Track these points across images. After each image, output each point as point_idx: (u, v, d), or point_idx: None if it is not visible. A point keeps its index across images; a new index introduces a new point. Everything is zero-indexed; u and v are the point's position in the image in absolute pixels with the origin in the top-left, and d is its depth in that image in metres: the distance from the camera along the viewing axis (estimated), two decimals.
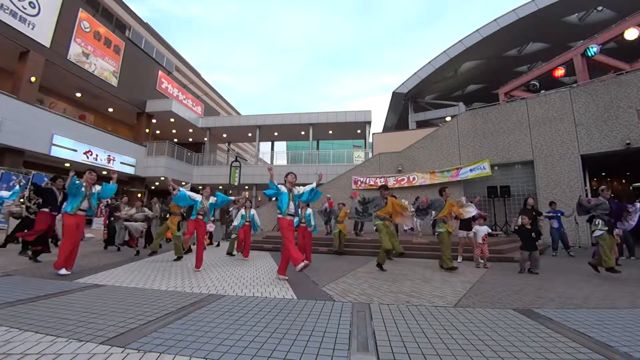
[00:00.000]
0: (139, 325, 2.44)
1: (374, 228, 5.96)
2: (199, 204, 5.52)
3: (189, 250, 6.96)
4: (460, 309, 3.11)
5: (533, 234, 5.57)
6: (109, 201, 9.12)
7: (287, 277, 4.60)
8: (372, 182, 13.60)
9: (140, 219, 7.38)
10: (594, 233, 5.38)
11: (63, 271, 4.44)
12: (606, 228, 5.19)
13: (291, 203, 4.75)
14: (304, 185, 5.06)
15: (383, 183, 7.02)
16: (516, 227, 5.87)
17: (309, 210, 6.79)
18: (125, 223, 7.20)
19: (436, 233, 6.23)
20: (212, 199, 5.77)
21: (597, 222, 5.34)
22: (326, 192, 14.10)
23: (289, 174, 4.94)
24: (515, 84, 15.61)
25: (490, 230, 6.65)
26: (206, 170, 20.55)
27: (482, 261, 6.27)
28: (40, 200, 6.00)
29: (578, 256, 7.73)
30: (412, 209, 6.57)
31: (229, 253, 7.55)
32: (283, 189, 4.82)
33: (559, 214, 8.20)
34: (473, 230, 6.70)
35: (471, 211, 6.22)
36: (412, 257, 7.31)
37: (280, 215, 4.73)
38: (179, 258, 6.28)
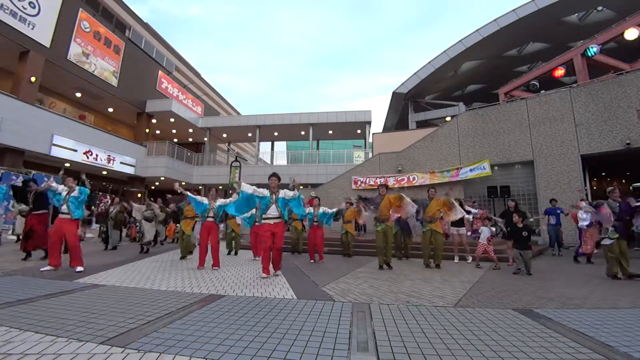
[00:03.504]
0: (139, 325, 2.44)
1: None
2: (207, 206, 5.65)
3: (190, 252, 6.97)
4: (460, 309, 3.11)
5: (524, 233, 5.55)
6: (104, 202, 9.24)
7: (268, 276, 4.62)
8: (372, 182, 13.60)
9: (149, 217, 7.40)
10: (602, 241, 5.10)
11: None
12: (616, 235, 4.86)
13: (273, 206, 4.73)
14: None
15: (383, 182, 7.01)
16: (507, 227, 5.90)
17: (322, 209, 6.82)
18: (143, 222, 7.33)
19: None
20: (221, 200, 5.80)
21: (607, 229, 4.98)
22: (327, 192, 14.12)
23: (272, 177, 4.84)
24: (515, 84, 15.59)
25: (494, 231, 6.65)
26: (206, 170, 20.54)
27: (493, 263, 6.26)
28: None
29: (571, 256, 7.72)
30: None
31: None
32: (265, 192, 4.78)
33: (559, 212, 8.23)
34: (479, 230, 6.71)
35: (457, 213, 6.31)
36: (412, 257, 7.31)
37: (263, 221, 4.76)
38: (183, 257, 6.51)
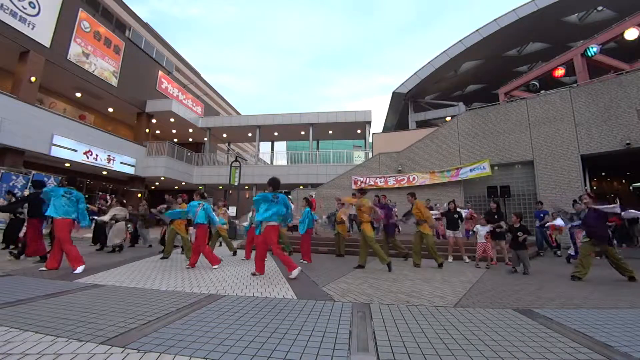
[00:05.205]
0: (139, 325, 2.44)
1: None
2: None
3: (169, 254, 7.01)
4: (460, 309, 3.11)
5: (519, 233, 5.57)
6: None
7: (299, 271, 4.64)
8: (372, 182, 13.60)
9: (121, 218, 7.36)
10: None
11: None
12: (586, 239, 5.02)
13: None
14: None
15: (362, 187, 7.15)
16: (507, 227, 5.94)
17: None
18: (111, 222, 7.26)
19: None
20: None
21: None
22: (326, 192, 14.13)
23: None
24: (515, 84, 15.61)
25: (490, 229, 6.68)
26: (206, 170, 20.54)
27: (486, 262, 6.34)
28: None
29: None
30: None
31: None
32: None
33: (542, 215, 8.23)
34: (474, 229, 6.78)
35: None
36: (411, 258, 7.30)
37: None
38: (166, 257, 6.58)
